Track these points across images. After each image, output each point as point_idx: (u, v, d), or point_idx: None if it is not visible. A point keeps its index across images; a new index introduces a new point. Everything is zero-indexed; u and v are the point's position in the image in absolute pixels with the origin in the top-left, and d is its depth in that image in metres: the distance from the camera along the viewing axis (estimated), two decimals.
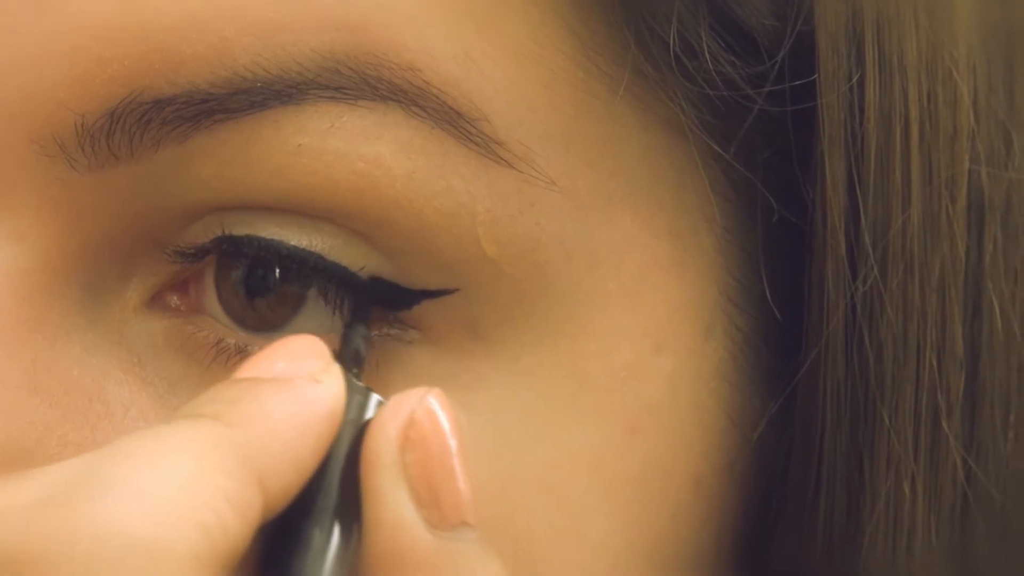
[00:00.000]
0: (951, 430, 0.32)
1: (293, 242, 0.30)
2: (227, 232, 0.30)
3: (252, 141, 0.29)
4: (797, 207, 0.32)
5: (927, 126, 0.32)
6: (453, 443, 0.27)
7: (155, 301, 0.31)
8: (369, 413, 0.28)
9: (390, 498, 0.27)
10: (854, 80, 0.32)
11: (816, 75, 0.32)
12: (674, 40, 0.30)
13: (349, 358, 0.30)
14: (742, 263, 0.33)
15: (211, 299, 0.31)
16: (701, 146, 0.32)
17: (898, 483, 0.32)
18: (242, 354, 0.30)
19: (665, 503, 0.32)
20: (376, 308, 0.30)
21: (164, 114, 0.29)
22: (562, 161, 0.31)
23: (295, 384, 0.28)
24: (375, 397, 0.29)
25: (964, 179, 0.32)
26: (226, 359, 0.31)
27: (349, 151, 0.29)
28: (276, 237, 0.30)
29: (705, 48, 0.31)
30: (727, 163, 0.32)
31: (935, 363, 0.32)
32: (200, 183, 0.30)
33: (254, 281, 0.31)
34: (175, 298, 0.31)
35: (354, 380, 0.29)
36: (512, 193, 0.30)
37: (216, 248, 0.31)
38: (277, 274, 0.31)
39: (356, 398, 0.28)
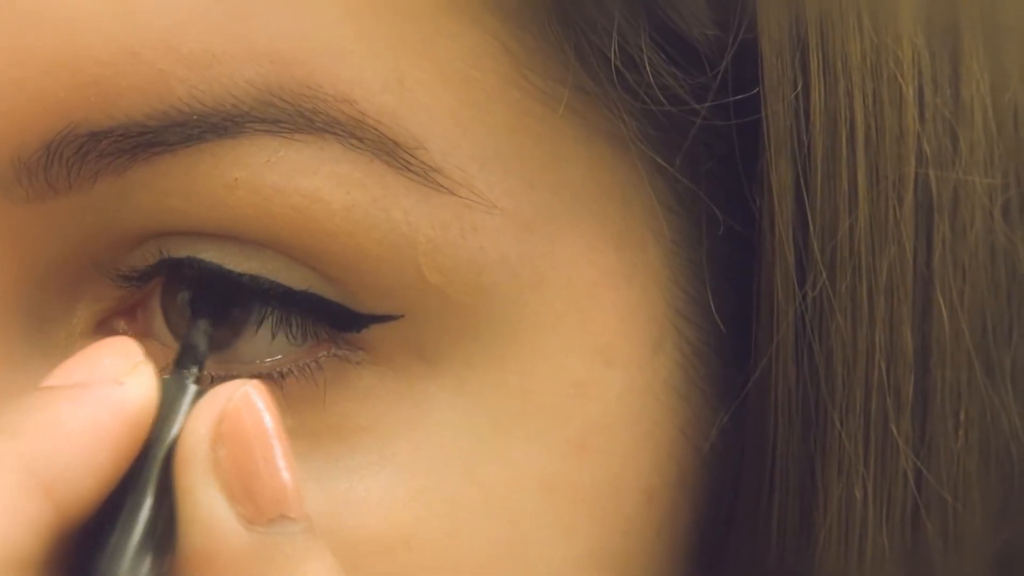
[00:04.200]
0: (901, 432, 0.32)
1: (233, 266, 0.30)
2: (168, 255, 0.30)
3: (190, 173, 0.29)
4: (744, 216, 0.32)
5: (872, 129, 0.32)
6: (271, 433, 0.27)
7: (102, 326, 0.31)
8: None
9: (201, 495, 0.27)
10: (799, 87, 0.32)
11: (760, 84, 0.31)
12: (615, 54, 0.30)
13: (186, 355, 0.29)
14: (690, 275, 0.33)
15: (159, 323, 0.31)
16: (645, 159, 0.31)
17: (849, 487, 0.32)
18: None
19: (617, 519, 0.32)
20: (324, 329, 0.30)
21: (101, 147, 0.29)
22: (502, 183, 0.31)
23: (93, 388, 0.27)
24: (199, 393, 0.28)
25: (911, 180, 0.32)
26: None
27: (286, 185, 0.29)
28: (217, 260, 0.30)
29: (646, 61, 0.31)
30: (672, 176, 0.32)
31: (884, 365, 0.32)
32: (140, 213, 0.30)
33: (198, 304, 0.30)
34: (122, 323, 0.31)
35: (181, 378, 0.28)
36: (453, 220, 0.30)
37: (159, 271, 0.30)
38: (221, 297, 0.30)
39: (181, 396, 0.28)
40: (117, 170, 0.29)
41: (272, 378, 0.30)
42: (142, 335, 0.31)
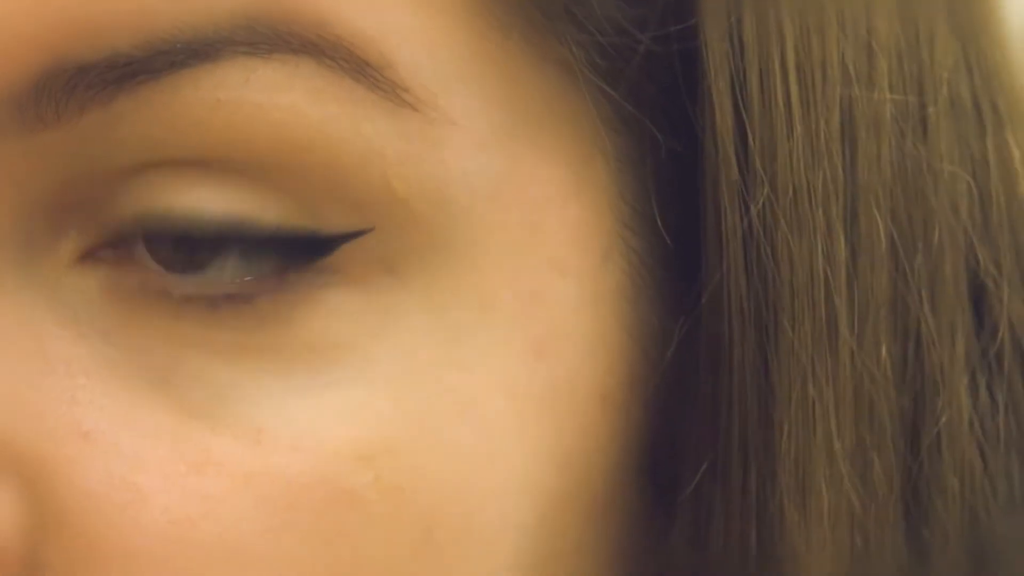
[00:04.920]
0: (843, 331, 0.34)
1: (208, 214, 0.32)
2: (144, 212, 0.32)
3: (173, 99, 0.31)
4: (688, 138, 0.35)
5: (801, 54, 0.35)
6: None
7: (87, 257, 0.33)
8: None
9: None
10: (732, 17, 0.34)
11: (697, 15, 0.34)
12: None
13: None
14: (636, 192, 0.35)
15: (140, 250, 0.32)
16: (592, 86, 0.34)
17: (804, 386, 0.34)
18: (167, 298, 0.32)
19: (574, 419, 0.34)
20: (293, 255, 0.32)
21: (88, 79, 0.31)
22: (462, 102, 0.33)
23: None
24: None
25: (836, 101, 0.35)
26: (159, 306, 0.32)
27: (265, 101, 0.31)
28: (195, 205, 0.32)
29: None
30: (617, 101, 0.34)
31: (824, 271, 0.34)
32: (125, 145, 0.31)
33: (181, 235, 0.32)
34: (107, 251, 0.33)
35: None
36: (417, 135, 0.32)
37: (139, 228, 0.32)
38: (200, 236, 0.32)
39: None
40: (103, 101, 0.31)
41: (242, 298, 0.32)
42: (125, 262, 0.33)
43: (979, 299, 0.36)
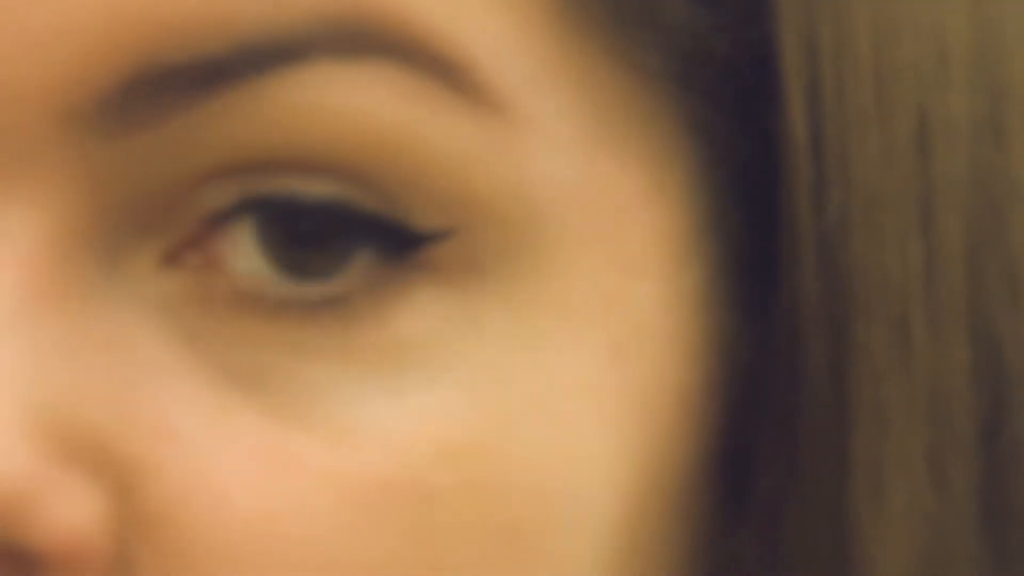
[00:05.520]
0: (916, 337, 0.35)
1: (306, 196, 0.32)
2: (242, 193, 0.32)
3: (259, 102, 0.31)
4: (763, 142, 0.35)
5: (876, 60, 0.35)
6: None
7: (172, 258, 0.33)
8: None
9: None
10: (808, 25, 0.34)
11: (772, 22, 0.34)
12: None
13: None
14: (712, 196, 0.35)
15: (229, 252, 0.33)
16: (667, 90, 0.34)
17: (877, 387, 0.35)
18: (261, 303, 0.32)
19: (653, 420, 0.34)
20: (386, 252, 0.32)
21: (176, 81, 0.31)
22: (543, 105, 0.33)
23: None
24: None
25: (910, 108, 0.35)
26: (248, 309, 0.32)
27: (350, 103, 0.32)
28: (291, 189, 0.32)
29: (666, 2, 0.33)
30: (693, 105, 0.34)
31: (898, 276, 0.35)
32: (211, 147, 0.32)
33: (273, 233, 0.33)
34: (191, 253, 0.33)
35: None
36: (500, 137, 0.32)
37: (232, 211, 0.32)
38: (297, 225, 0.32)
39: None
40: (190, 103, 0.31)
41: (340, 299, 0.32)
42: (210, 265, 0.33)
43: None
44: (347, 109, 0.32)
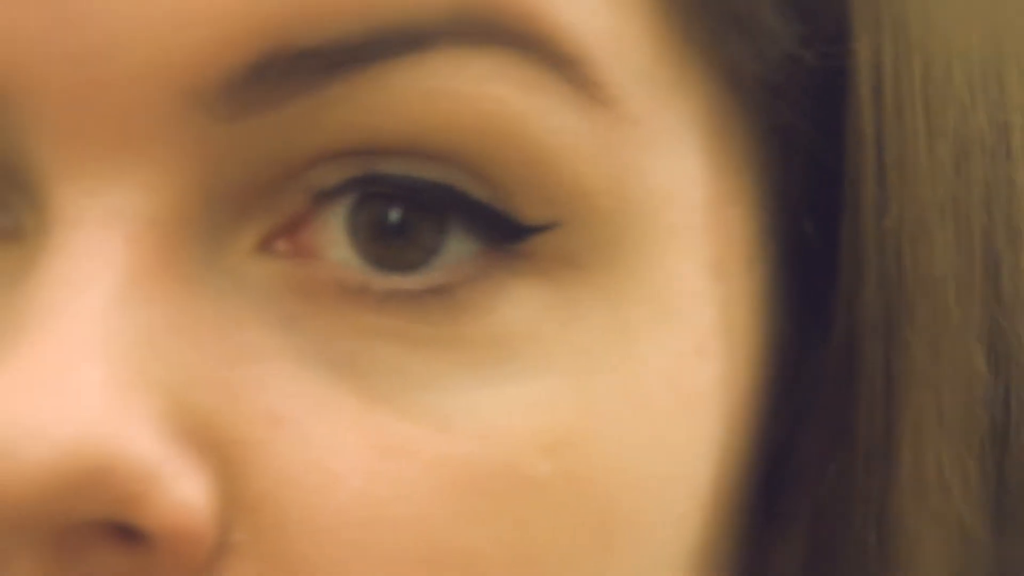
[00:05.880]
0: (973, 350, 0.36)
1: (423, 175, 0.32)
2: (348, 173, 0.32)
3: (385, 88, 0.32)
4: (828, 151, 0.36)
5: (925, 83, 0.37)
6: None
7: (267, 244, 0.33)
8: None
9: None
10: (877, 46, 0.36)
11: (851, 41, 0.36)
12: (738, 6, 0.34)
13: None
14: (779, 199, 0.36)
15: (327, 239, 0.33)
16: (752, 95, 0.35)
17: (920, 393, 0.36)
18: (364, 293, 0.32)
19: (726, 417, 0.35)
20: (492, 241, 0.33)
21: (307, 64, 0.31)
22: (645, 103, 0.34)
23: None
24: None
25: (951, 128, 0.37)
26: (349, 298, 0.33)
27: (474, 92, 0.32)
28: (405, 173, 0.32)
29: (762, 13, 0.35)
30: (771, 111, 0.36)
31: (954, 286, 0.36)
32: (329, 132, 0.32)
33: (374, 219, 0.33)
34: (283, 241, 0.33)
35: None
36: (606, 132, 0.33)
37: (347, 187, 0.32)
38: (401, 213, 0.33)
39: None
40: (317, 87, 0.31)
41: (445, 290, 0.33)
42: (305, 252, 0.33)
43: None
44: (469, 97, 0.32)
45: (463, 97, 0.32)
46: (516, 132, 0.32)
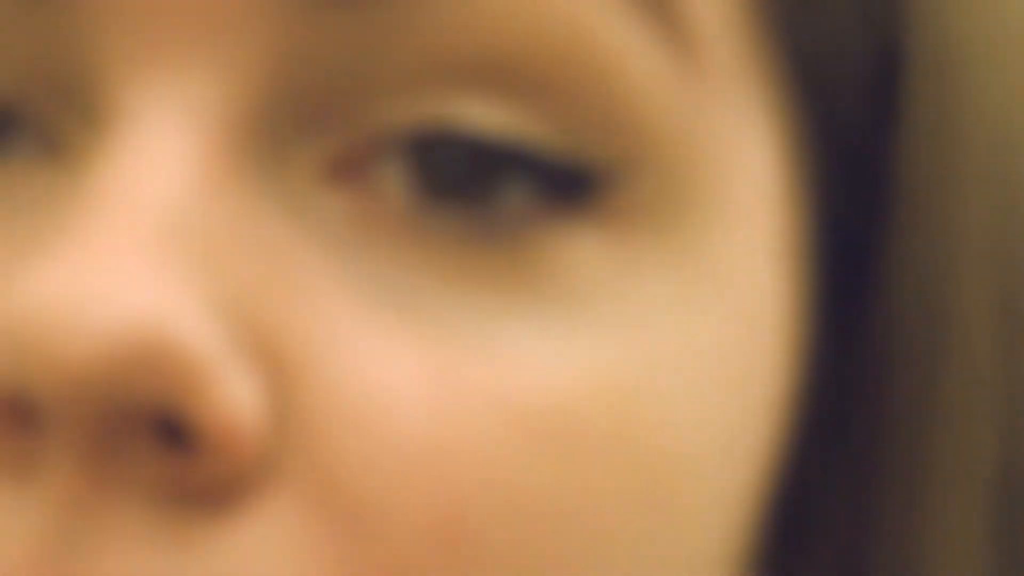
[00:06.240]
0: (1005, 374, 0.36)
1: (492, 120, 0.31)
2: (419, 116, 0.31)
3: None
4: (880, 158, 0.36)
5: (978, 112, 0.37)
6: None
7: (327, 171, 0.31)
8: None
9: None
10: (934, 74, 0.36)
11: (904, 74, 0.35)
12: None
13: None
14: (822, 207, 0.36)
15: (387, 173, 0.31)
16: (814, 86, 0.35)
17: (949, 433, 0.36)
18: (428, 231, 0.31)
19: (762, 404, 0.35)
20: (563, 193, 0.32)
21: None
22: (729, 62, 0.33)
23: None
24: None
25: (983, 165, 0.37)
26: (412, 235, 0.31)
27: (566, 15, 0.31)
28: (477, 119, 0.31)
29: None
30: (825, 118, 0.35)
31: (988, 319, 0.36)
32: (413, 46, 0.31)
33: (438, 157, 0.31)
34: (343, 169, 0.32)
35: None
36: (688, 79, 0.32)
37: (411, 125, 0.31)
38: (466, 153, 0.31)
39: None
40: None
41: (507, 232, 0.31)
42: (367, 188, 0.31)
43: None
44: (562, 21, 0.31)
45: (553, 18, 0.31)
46: (599, 66, 0.31)
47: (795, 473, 0.36)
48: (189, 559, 0.29)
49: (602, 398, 0.31)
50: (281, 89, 0.31)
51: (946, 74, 0.36)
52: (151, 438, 0.29)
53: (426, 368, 0.31)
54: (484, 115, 0.31)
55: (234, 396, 0.29)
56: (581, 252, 0.32)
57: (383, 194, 0.32)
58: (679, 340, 0.33)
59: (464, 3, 0.31)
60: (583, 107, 0.31)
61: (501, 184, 0.32)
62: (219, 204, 0.30)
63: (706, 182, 0.33)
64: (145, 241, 0.29)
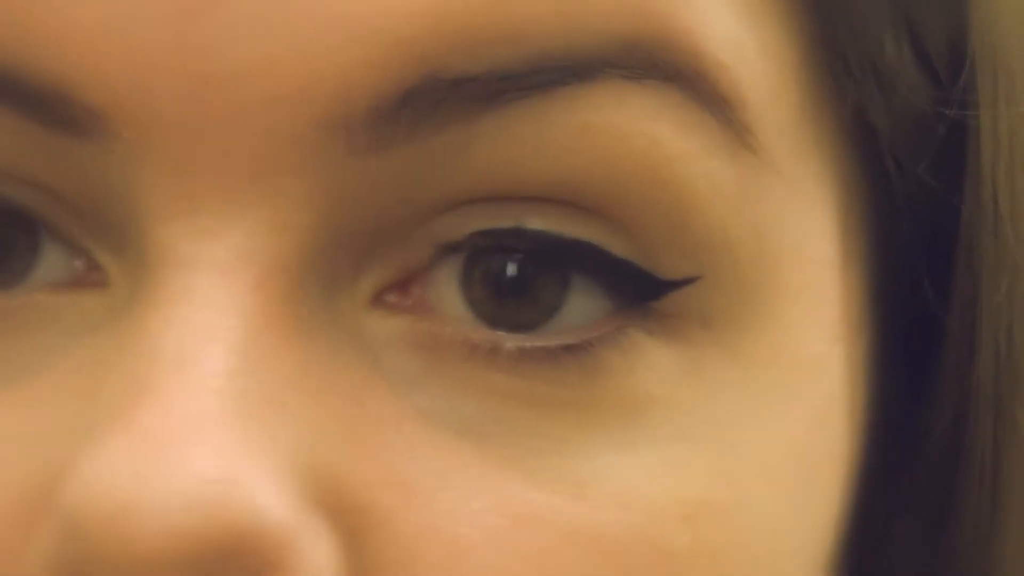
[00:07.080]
0: None
1: (559, 230, 0.30)
2: (487, 225, 0.30)
3: (540, 120, 0.29)
4: (948, 215, 0.35)
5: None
6: None
7: (380, 297, 0.31)
8: None
9: None
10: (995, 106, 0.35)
11: (977, 103, 0.34)
12: (879, 63, 0.33)
13: None
14: (893, 260, 0.35)
15: (440, 293, 0.31)
16: (879, 150, 0.33)
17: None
18: (494, 353, 0.30)
19: (833, 488, 0.34)
20: (628, 299, 0.31)
21: (460, 92, 0.29)
22: (789, 154, 0.32)
23: None
24: None
25: None
26: (476, 357, 0.30)
27: (633, 129, 0.30)
28: (542, 228, 0.30)
29: (900, 71, 0.33)
30: (894, 167, 0.34)
31: None
32: (471, 169, 0.30)
33: (505, 275, 0.30)
34: (394, 295, 0.31)
35: None
36: (751, 180, 0.31)
37: (471, 241, 0.30)
38: (518, 266, 0.30)
39: None
40: (467, 119, 0.29)
41: (583, 349, 0.30)
42: (420, 307, 0.30)
43: None
44: (625, 135, 0.30)
45: (619, 134, 0.30)
46: (668, 175, 0.30)
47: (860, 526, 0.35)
48: None
49: (684, 519, 0.30)
50: (334, 224, 0.30)
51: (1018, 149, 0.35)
52: None
53: (496, 503, 0.29)
54: (547, 224, 0.30)
55: (313, 564, 0.28)
56: (654, 365, 0.31)
57: (438, 316, 0.30)
58: (756, 447, 0.32)
59: (529, 124, 0.29)
60: (652, 219, 0.30)
61: (567, 293, 0.31)
62: (279, 356, 0.29)
63: (773, 276, 0.32)
64: (215, 412, 0.28)
